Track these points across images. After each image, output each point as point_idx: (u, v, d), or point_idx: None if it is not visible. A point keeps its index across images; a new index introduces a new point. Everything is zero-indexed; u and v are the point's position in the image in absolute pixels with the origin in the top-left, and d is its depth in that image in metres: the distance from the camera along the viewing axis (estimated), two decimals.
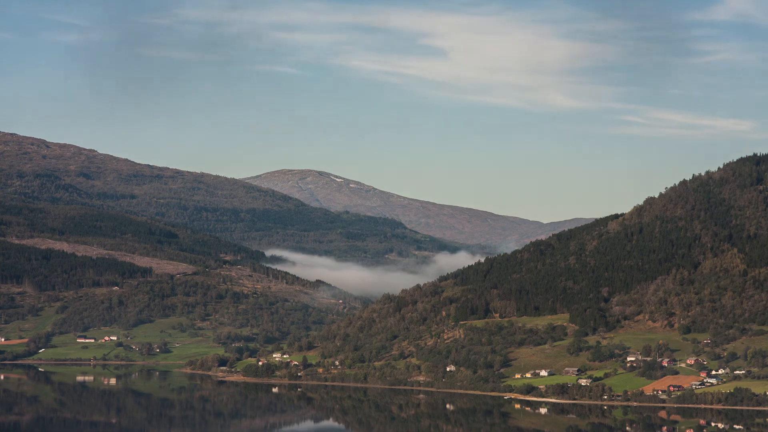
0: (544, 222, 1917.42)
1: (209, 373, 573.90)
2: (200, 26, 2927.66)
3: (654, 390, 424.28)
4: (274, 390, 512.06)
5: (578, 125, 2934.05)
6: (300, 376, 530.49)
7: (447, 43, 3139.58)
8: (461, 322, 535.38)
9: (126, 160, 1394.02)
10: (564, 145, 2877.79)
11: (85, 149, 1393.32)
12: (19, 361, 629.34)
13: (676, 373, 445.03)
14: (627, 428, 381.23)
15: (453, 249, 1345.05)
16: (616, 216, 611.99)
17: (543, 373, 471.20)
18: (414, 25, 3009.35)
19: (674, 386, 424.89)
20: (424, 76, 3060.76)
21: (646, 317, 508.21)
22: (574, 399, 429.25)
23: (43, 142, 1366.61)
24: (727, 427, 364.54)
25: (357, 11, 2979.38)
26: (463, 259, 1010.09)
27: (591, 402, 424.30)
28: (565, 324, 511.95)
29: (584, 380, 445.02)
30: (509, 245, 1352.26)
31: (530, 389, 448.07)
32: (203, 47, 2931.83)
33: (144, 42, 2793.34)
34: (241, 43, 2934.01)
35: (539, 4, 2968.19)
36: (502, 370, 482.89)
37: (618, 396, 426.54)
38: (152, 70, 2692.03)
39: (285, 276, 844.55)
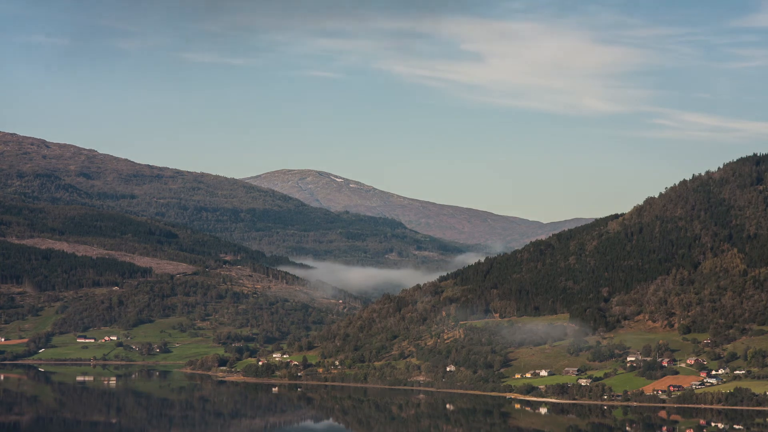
0: (544, 222, 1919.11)
1: (209, 373, 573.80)
2: (248, 32, 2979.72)
3: (654, 390, 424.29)
4: (274, 390, 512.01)
5: (610, 128, 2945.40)
6: (300, 376, 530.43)
7: (484, 48, 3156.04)
8: (461, 322, 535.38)
9: (126, 160, 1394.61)
10: (595, 147, 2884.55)
11: (85, 149, 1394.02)
12: (19, 361, 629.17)
13: (676, 373, 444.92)
14: (627, 428, 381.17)
15: (457, 251, 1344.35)
16: (616, 216, 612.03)
17: (543, 373, 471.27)
18: (453, 31, 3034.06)
19: (674, 386, 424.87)
20: (459, 79, 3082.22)
21: (646, 317, 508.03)
22: (574, 399, 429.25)
23: (43, 142, 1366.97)
24: (727, 427, 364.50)
25: (397, 18, 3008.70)
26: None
27: (591, 402, 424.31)
28: (565, 324, 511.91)
29: (584, 380, 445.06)
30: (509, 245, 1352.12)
31: (530, 389, 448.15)
32: (247, 53, 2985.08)
33: (190, 47, 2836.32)
34: (287, 48, 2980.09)
35: (585, 11, 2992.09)
36: (502, 370, 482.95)
37: (618, 396, 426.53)
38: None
39: (285, 276, 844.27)
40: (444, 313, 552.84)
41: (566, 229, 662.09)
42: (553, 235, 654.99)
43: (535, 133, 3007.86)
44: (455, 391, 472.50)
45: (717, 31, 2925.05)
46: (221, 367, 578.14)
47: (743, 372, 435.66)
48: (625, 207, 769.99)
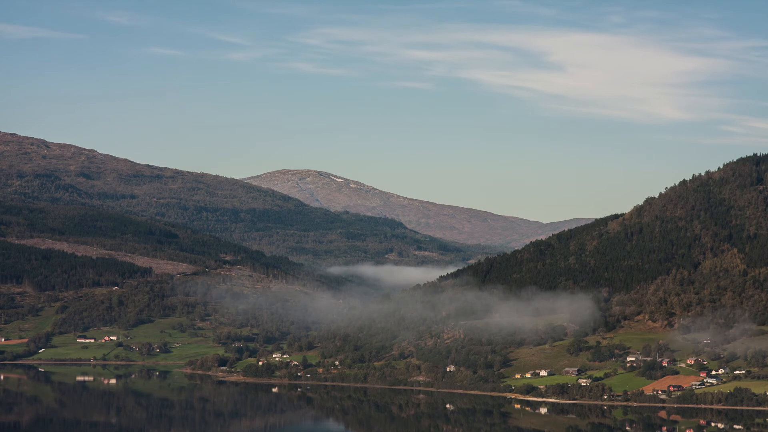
0: (544, 222, 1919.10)
1: (209, 373, 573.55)
2: (344, 45, 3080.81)
3: (654, 390, 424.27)
4: (274, 390, 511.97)
5: (678, 135, 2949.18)
6: (300, 376, 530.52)
7: (564, 58, 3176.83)
8: (461, 322, 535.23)
9: (126, 160, 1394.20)
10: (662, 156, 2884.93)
11: (85, 149, 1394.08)
12: (19, 361, 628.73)
13: (676, 373, 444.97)
14: (627, 428, 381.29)
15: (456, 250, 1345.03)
16: (616, 216, 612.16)
17: (543, 373, 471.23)
18: (535, 42, 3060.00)
19: (674, 386, 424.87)
20: (537, 88, 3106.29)
21: (646, 317, 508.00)
22: (574, 399, 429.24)
23: (43, 142, 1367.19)
24: (727, 427, 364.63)
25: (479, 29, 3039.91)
26: None
27: (591, 402, 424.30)
28: (565, 324, 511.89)
29: (584, 380, 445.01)
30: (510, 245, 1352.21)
31: (530, 389, 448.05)
32: (342, 63, 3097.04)
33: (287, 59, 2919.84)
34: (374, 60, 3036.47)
35: (685, 24, 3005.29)
36: (502, 370, 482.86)
37: (618, 396, 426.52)
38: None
39: (285, 276, 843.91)
40: (444, 313, 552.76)
41: (566, 229, 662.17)
42: (553, 235, 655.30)
43: (586, 139, 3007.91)
44: (455, 391, 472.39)
45: None
46: (221, 367, 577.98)
47: (743, 372, 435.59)
48: (625, 207, 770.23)
